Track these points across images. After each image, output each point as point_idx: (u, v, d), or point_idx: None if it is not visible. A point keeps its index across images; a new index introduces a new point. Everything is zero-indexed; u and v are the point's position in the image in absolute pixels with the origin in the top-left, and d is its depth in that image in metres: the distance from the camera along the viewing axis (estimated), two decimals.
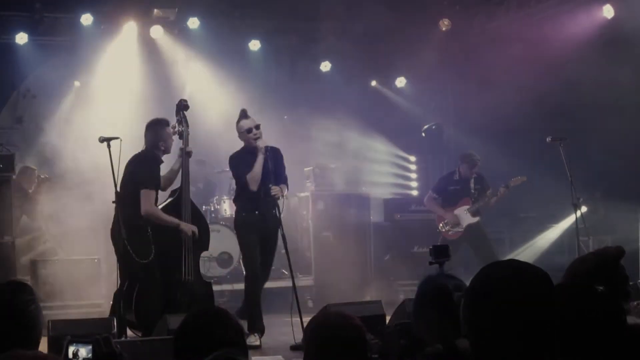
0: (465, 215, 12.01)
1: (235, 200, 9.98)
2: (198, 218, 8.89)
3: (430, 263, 6.35)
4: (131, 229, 8.45)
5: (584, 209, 11.32)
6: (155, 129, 8.73)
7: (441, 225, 12.20)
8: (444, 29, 14.97)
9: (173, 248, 8.60)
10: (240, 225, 9.66)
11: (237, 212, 9.83)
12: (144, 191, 8.50)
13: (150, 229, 8.43)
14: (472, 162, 12.13)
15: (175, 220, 8.43)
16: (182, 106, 8.83)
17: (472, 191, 12.19)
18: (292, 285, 9.19)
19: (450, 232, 12.06)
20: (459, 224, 12.00)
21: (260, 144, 9.29)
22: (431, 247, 6.46)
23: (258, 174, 9.26)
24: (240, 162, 9.52)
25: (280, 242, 9.53)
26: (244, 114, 9.56)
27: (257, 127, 9.43)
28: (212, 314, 3.65)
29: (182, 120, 8.84)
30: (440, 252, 6.26)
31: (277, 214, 9.31)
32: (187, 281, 8.52)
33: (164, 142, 8.69)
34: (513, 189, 12.24)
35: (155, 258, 8.42)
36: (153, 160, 8.70)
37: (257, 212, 9.39)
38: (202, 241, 8.87)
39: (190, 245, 8.58)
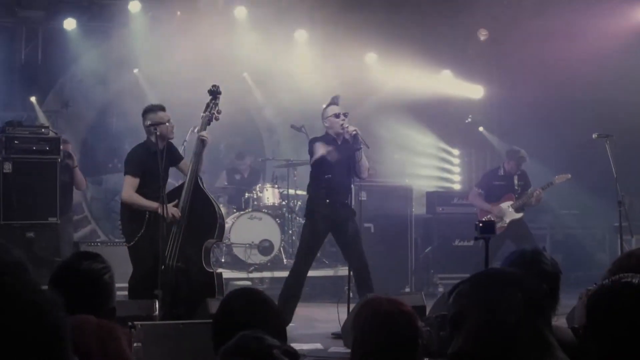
0: (508, 211, 11.93)
1: (308, 188, 9.74)
2: (205, 205, 8.54)
3: (476, 238, 6.30)
4: (123, 212, 8.62)
5: None
6: (145, 116, 8.68)
7: (484, 219, 12.10)
8: (482, 38, 14.96)
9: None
10: (307, 214, 9.52)
11: (308, 200, 9.70)
12: (125, 177, 8.56)
13: (148, 213, 8.39)
14: (519, 159, 12.04)
15: (155, 204, 8.32)
16: (209, 91, 8.73)
17: (516, 187, 12.10)
18: (342, 275, 9.12)
19: None
20: (502, 219, 11.91)
21: (350, 129, 9.09)
22: (477, 222, 6.39)
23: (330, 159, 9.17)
24: (319, 148, 9.31)
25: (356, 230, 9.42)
26: (334, 100, 9.51)
27: (345, 114, 9.33)
28: (250, 297, 3.61)
29: (208, 106, 8.69)
30: (486, 228, 6.19)
31: (349, 203, 9.23)
32: (172, 267, 8.21)
33: (155, 128, 8.55)
34: (556, 186, 12.15)
35: (142, 242, 8.37)
36: (140, 147, 8.67)
37: (327, 201, 9.23)
38: (205, 228, 8.52)
39: (179, 229, 8.35)
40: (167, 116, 8.64)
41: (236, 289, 3.77)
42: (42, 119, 13.81)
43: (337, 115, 9.31)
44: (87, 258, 4.00)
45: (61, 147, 11.02)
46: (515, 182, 12.12)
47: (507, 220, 11.90)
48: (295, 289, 9.32)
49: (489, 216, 11.99)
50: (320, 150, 9.18)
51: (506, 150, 12.50)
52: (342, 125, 9.22)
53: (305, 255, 9.44)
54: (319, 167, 9.33)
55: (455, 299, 2.52)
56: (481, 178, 12.76)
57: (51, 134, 11.04)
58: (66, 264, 4.03)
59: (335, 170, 9.22)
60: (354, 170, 9.19)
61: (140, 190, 8.45)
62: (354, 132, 9.05)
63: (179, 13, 14.12)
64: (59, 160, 10.95)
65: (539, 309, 2.44)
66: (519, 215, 11.95)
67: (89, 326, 3.14)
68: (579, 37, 13.25)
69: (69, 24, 13.86)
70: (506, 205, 11.96)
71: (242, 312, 3.47)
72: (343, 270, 12.35)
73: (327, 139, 9.43)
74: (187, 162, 8.83)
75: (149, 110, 8.70)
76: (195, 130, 8.76)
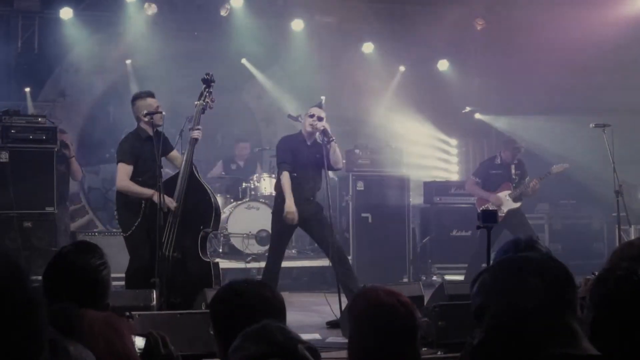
0: (506, 200, 11.90)
1: (276, 185, 9.87)
2: (200, 194, 8.51)
3: (478, 227, 6.31)
4: (119, 202, 8.60)
5: None
6: (134, 104, 8.67)
7: (483, 208, 12.07)
8: (479, 28, 14.95)
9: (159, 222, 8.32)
10: (275, 210, 9.63)
11: (275, 197, 9.80)
12: (119, 165, 8.52)
13: (144, 202, 8.36)
14: (515, 150, 12.03)
15: (149, 191, 8.28)
16: (203, 80, 8.68)
17: (513, 177, 12.08)
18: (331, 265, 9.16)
19: None
20: (500, 208, 11.88)
21: (318, 126, 9.28)
22: (479, 212, 6.42)
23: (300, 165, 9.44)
24: (286, 149, 9.57)
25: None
26: (319, 103, 9.78)
27: (320, 118, 9.39)
28: (245, 284, 3.58)
29: (202, 94, 8.64)
30: (488, 217, 6.19)
31: (316, 199, 9.48)
32: (168, 257, 8.20)
33: (152, 117, 8.51)
34: (554, 175, 12.14)
35: (139, 232, 8.34)
36: (132, 135, 8.66)
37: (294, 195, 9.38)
38: (200, 218, 8.47)
39: (175, 219, 8.32)
40: (156, 102, 8.62)
41: (237, 278, 3.73)
42: (31, 109, 13.72)
43: (311, 115, 9.47)
44: (85, 251, 3.94)
45: (58, 136, 10.98)
46: (513, 171, 12.09)
47: (505, 209, 11.86)
48: (270, 283, 9.39)
49: (487, 205, 11.96)
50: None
51: (503, 140, 12.50)
52: (311, 124, 9.37)
53: (274, 250, 9.64)
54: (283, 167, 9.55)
55: (478, 289, 2.49)
56: (478, 167, 12.74)
57: (48, 124, 11.00)
58: (63, 256, 3.97)
59: (301, 169, 9.46)
60: (328, 165, 9.28)
61: (133, 179, 8.43)
62: (323, 128, 9.27)
63: None
64: (56, 149, 10.91)
65: (560, 296, 2.39)
66: (517, 204, 11.91)
67: (96, 323, 3.13)
68: (576, 25, 13.22)
69: (65, 13, 13.80)
70: (504, 195, 11.93)
71: (241, 299, 3.45)
72: None
73: (296, 138, 9.67)
74: (177, 154, 8.80)
75: (138, 97, 8.69)
76: (190, 120, 8.71)
